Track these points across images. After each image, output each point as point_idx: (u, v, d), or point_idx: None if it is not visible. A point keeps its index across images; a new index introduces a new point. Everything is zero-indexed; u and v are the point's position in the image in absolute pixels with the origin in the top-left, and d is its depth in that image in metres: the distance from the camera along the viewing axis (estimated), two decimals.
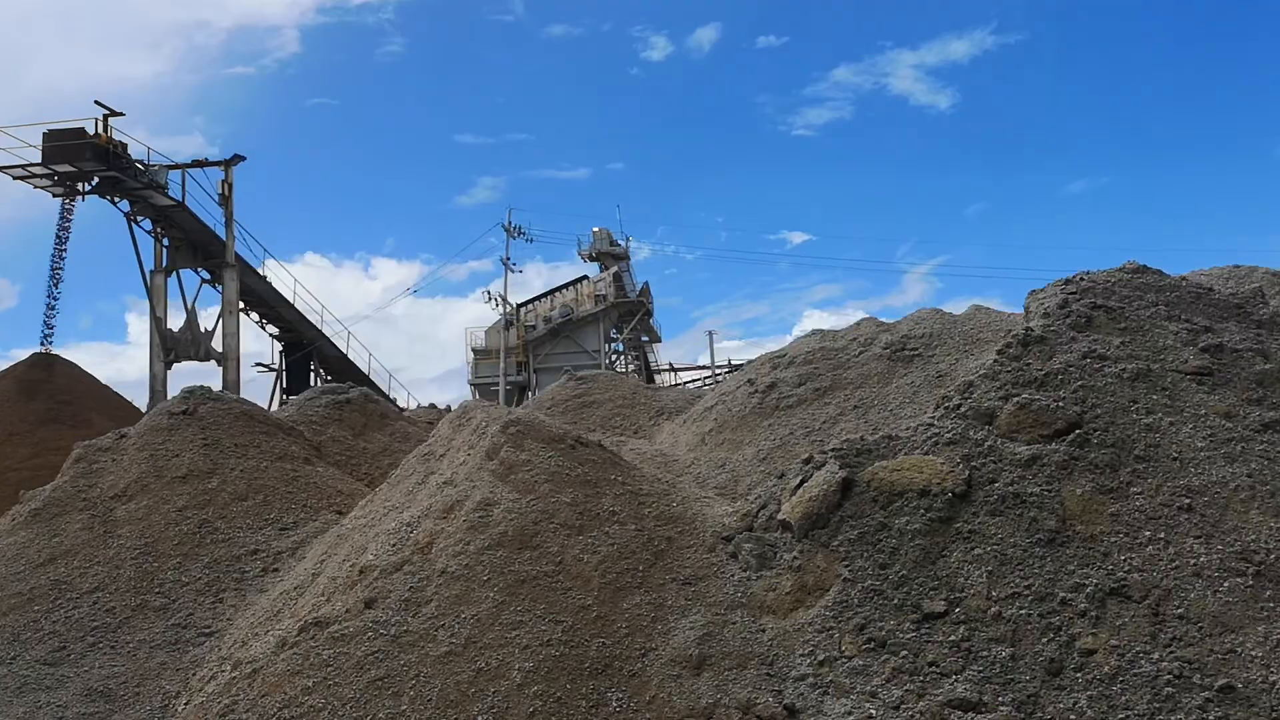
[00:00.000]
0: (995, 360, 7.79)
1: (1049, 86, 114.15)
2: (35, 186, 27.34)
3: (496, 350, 43.99)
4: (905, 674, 5.71)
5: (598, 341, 45.83)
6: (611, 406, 12.58)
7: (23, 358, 27.09)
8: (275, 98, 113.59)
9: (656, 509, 7.36)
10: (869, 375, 9.76)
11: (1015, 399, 7.27)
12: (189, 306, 30.78)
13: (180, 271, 30.79)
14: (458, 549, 6.84)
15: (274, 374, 35.17)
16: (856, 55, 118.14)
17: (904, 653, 5.83)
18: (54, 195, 27.78)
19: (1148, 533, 6.20)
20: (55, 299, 28.31)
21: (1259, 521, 6.23)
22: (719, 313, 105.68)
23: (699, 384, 41.28)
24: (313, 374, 35.60)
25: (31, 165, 26.48)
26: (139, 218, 29.42)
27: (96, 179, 27.42)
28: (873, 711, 5.53)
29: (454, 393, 46.97)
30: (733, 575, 6.78)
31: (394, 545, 7.21)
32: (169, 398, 13.35)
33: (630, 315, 47.23)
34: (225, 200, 30.53)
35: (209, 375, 31.73)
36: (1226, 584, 5.81)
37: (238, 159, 30.87)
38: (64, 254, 28.23)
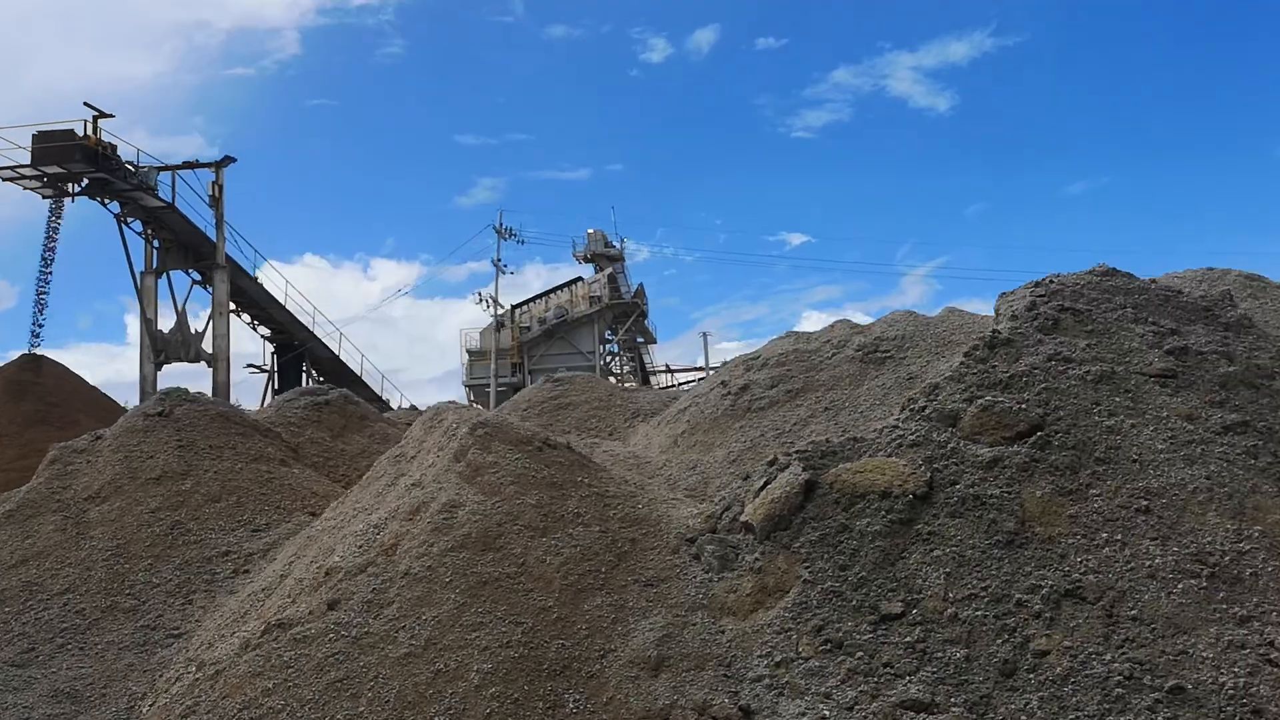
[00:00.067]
0: (961, 363, 7.81)
1: (1048, 87, 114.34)
2: (24, 188, 27.36)
3: (491, 351, 44.02)
4: (860, 675, 5.73)
5: (592, 343, 45.89)
6: (587, 408, 12.61)
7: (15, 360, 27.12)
8: (275, 98, 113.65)
9: (622, 511, 7.38)
10: (841, 377, 9.79)
11: (979, 401, 7.29)
12: (179, 308, 30.82)
13: (171, 273, 30.83)
14: (421, 551, 6.86)
15: (266, 375, 35.21)
16: (855, 57, 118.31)
17: (860, 654, 5.85)
18: (43, 197, 27.81)
19: (1105, 534, 6.23)
20: (44, 300, 28.34)
21: (1215, 524, 6.26)
22: (718, 314, 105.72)
23: (695, 385, 41.24)
24: (305, 375, 35.63)
25: (21, 167, 26.52)
26: (129, 219, 29.47)
27: (86, 180, 27.44)
28: (826, 712, 5.55)
29: (453, 394, 46.91)
30: (695, 577, 6.80)
31: (360, 547, 7.23)
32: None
33: (625, 316, 47.28)
34: (216, 202, 30.58)
35: (200, 376, 31.80)
36: (1181, 586, 5.83)
37: (228, 160, 30.93)
38: (53, 255, 28.27)
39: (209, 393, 30.20)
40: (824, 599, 6.23)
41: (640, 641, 6.21)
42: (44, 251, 28.15)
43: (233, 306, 31.99)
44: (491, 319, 44.89)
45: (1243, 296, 10.55)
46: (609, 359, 48.43)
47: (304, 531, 8.74)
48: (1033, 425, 7.06)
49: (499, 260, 45.09)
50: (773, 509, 6.85)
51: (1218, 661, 5.40)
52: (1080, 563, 6.06)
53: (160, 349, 30.08)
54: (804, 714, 5.58)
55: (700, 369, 49.32)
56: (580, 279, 47.59)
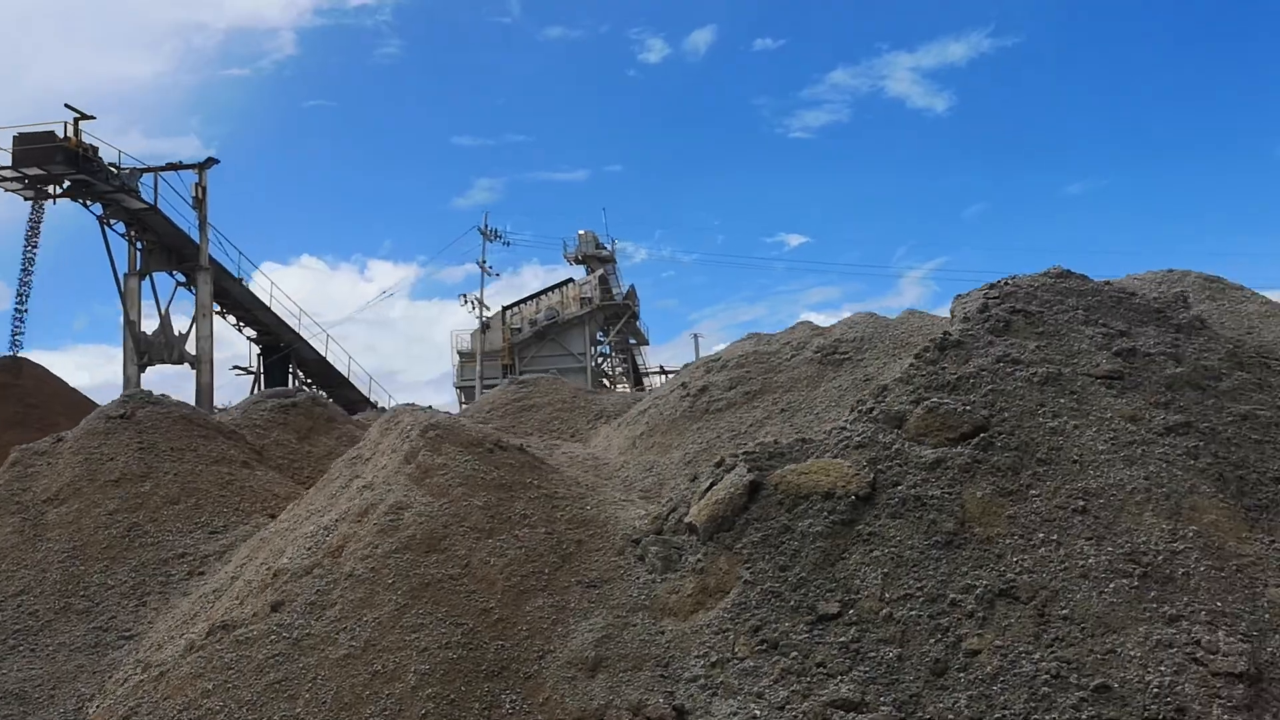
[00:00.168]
0: (911, 364, 7.85)
1: (1047, 88, 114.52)
2: (5, 189, 27.30)
3: (477, 354, 44.00)
4: (793, 675, 5.76)
5: (583, 344, 45.82)
6: (550, 410, 12.63)
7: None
8: (272, 99, 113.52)
9: (570, 512, 7.40)
10: (799, 379, 9.82)
11: (925, 403, 7.32)
12: (163, 310, 30.76)
13: (154, 275, 30.75)
14: (366, 552, 6.87)
15: (252, 377, 35.12)
16: (854, 58, 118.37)
17: (794, 654, 5.87)
18: (24, 199, 27.75)
19: (1041, 534, 6.26)
20: (24, 301, 28.29)
21: (1151, 523, 6.29)
22: (715, 316, 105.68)
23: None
24: (291, 377, 35.57)
25: (1, 168, 26.45)
26: (112, 221, 29.39)
27: (67, 182, 27.39)
28: (757, 712, 5.57)
29: (448, 395, 46.84)
30: (638, 578, 6.82)
31: (309, 549, 7.23)
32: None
33: (616, 318, 47.25)
34: (199, 203, 30.50)
35: (184, 378, 31.72)
36: (1112, 585, 5.87)
37: (211, 162, 30.88)
38: (34, 257, 28.21)
39: (193, 395, 30.22)
40: (763, 599, 6.26)
41: (579, 642, 6.23)
42: (25, 253, 28.14)
43: (217, 308, 31.93)
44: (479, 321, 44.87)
45: (1201, 298, 10.61)
46: (600, 360, 48.42)
47: (259, 533, 8.75)
48: (977, 426, 7.09)
49: (484, 262, 45.10)
50: (716, 510, 6.88)
51: (1145, 660, 5.44)
52: (1016, 563, 6.10)
53: (144, 351, 30.02)
54: (736, 714, 5.61)
55: None
56: (571, 280, 47.56)
